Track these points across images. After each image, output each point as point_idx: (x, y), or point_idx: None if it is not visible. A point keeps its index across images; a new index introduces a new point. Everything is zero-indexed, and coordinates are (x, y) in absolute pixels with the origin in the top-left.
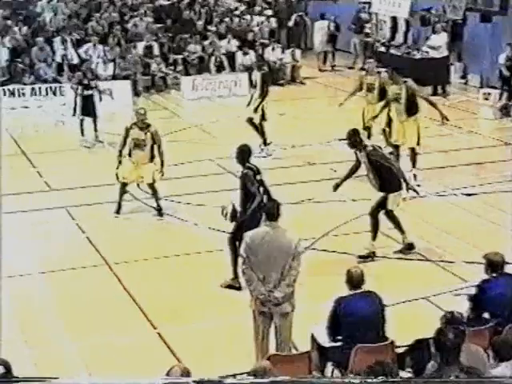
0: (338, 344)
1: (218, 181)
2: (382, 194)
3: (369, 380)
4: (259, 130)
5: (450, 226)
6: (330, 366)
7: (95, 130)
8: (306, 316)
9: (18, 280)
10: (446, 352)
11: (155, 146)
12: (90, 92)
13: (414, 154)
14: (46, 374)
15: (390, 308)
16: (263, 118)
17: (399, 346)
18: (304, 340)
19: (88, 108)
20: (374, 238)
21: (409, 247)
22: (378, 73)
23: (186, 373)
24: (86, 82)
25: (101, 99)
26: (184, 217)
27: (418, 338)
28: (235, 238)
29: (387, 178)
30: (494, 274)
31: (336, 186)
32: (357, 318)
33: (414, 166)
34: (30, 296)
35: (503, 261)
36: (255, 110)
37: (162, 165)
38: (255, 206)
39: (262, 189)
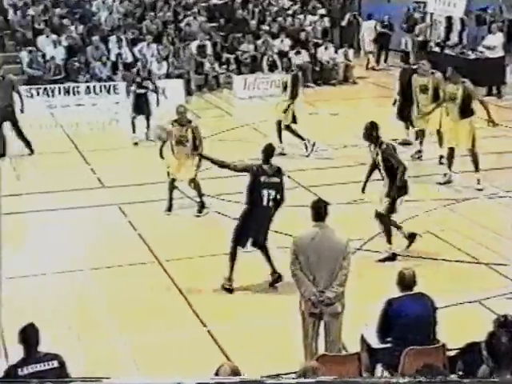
0: (388, 345)
1: None
2: (388, 200)
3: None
4: (294, 132)
5: (502, 229)
6: (379, 368)
7: (147, 128)
8: (355, 317)
9: (69, 276)
10: (498, 356)
11: (200, 141)
12: (143, 90)
13: (474, 157)
14: (97, 370)
15: (441, 310)
16: (294, 120)
17: (450, 349)
18: (354, 341)
19: (141, 106)
20: (389, 241)
21: (393, 257)
22: (432, 73)
23: (234, 371)
24: (139, 80)
25: (158, 102)
26: (234, 215)
27: (470, 342)
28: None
29: (395, 180)
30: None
31: (363, 189)
32: (408, 320)
33: (476, 169)
34: (82, 292)
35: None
36: (284, 112)
37: (200, 159)
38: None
39: (266, 191)
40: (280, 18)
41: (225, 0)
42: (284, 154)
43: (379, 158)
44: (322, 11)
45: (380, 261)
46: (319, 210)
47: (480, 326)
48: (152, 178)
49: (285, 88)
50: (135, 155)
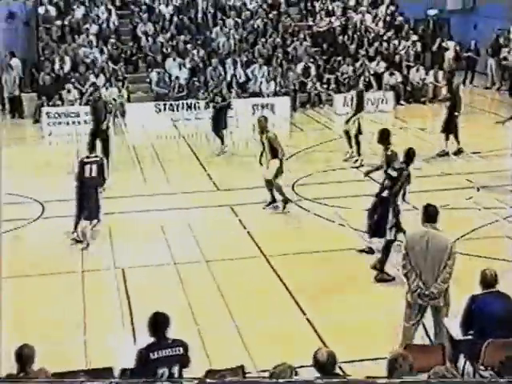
0: (470, 338)
1: (361, 186)
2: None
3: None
4: (353, 141)
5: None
6: (462, 358)
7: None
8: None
9: (186, 266)
10: None
11: (277, 148)
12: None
13: None
14: (212, 355)
15: None
16: (359, 131)
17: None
18: None
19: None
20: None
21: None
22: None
23: (331, 355)
24: (219, 99)
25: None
26: (330, 217)
27: None
28: None
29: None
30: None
31: (366, 173)
32: (489, 315)
33: None
34: (198, 282)
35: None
36: (347, 122)
37: (280, 164)
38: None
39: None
40: (376, 43)
41: (327, 27)
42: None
43: (384, 163)
44: (415, 37)
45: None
46: (431, 213)
47: None
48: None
49: (351, 104)
50: (245, 161)
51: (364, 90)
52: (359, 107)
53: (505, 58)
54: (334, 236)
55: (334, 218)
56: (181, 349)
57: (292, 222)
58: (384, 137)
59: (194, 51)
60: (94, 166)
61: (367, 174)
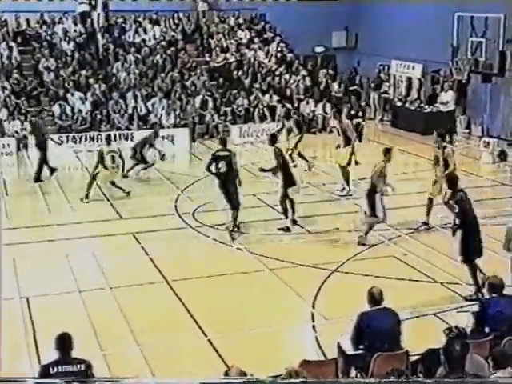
0: (360, 352)
1: (258, 212)
2: None
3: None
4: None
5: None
6: (353, 371)
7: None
8: (333, 328)
9: (91, 293)
10: (453, 361)
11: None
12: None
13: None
14: (116, 373)
15: (404, 322)
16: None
17: (412, 355)
18: (332, 348)
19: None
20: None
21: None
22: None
23: (242, 373)
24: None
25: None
26: (229, 242)
27: (430, 348)
28: None
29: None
30: (495, 295)
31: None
32: (376, 331)
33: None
34: (103, 308)
35: (502, 284)
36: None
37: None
38: None
39: None
40: (269, 78)
41: (222, 63)
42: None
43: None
44: (304, 72)
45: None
46: None
47: (436, 335)
48: (163, 211)
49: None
50: (148, 189)
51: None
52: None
53: (386, 92)
54: (233, 260)
55: (232, 243)
56: (82, 366)
57: (193, 247)
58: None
59: (96, 85)
60: None
61: (262, 170)
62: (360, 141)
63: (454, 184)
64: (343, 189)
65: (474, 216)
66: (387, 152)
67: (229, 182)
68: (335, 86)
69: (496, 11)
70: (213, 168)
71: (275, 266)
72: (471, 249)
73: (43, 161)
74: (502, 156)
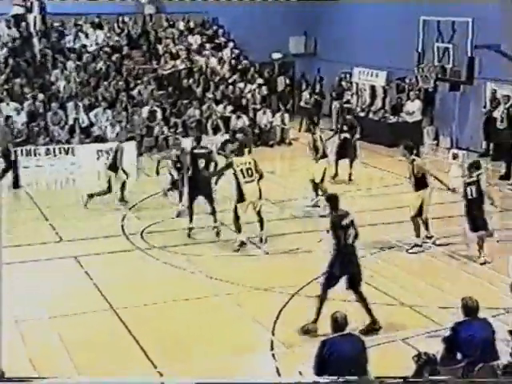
0: (325, 381)
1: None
2: None
3: None
4: None
5: (424, 274)
6: None
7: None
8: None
9: (29, 323)
10: None
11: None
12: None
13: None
14: None
15: (372, 348)
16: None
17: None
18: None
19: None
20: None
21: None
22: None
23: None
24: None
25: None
26: (181, 265)
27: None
28: None
29: None
30: (468, 318)
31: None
32: (341, 358)
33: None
34: (41, 339)
35: (477, 306)
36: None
37: None
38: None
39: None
40: (222, 86)
41: (172, 70)
42: None
43: None
44: (260, 80)
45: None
46: None
47: (405, 362)
48: (103, 232)
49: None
50: (90, 212)
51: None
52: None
53: (348, 101)
54: (186, 284)
55: (184, 266)
56: None
57: (142, 271)
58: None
59: (32, 95)
60: None
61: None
62: (354, 158)
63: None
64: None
65: None
66: None
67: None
68: (306, 95)
69: (463, 15)
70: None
71: (231, 290)
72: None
73: (6, 171)
74: (472, 168)
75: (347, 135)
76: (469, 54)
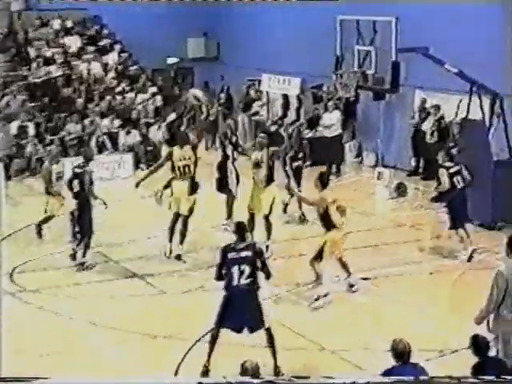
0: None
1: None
2: None
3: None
4: None
5: (346, 312)
6: None
7: None
8: None
9: None
10: None
11: None
12: None
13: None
14: None
15: None
16: None
17: None
18: None
19: None
20: None
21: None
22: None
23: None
24: None
25: None
26: (60, 311)
27: None
28: None
29: None
30: (399, 363)
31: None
32: None
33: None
34: None
35: (408, 349)
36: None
37: None
38: None
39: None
40: (108, 97)
41: (46, 78)
42: None
43: None
44: (154, 89)
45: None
46: None
47: None
48: None
49: None
50: None
51: None
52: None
53: (257, 113)
54: (64, 333)
55: (62, 312)
56: None
57: (11, 319)
58: None
59: None
60: None
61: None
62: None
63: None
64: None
65: None
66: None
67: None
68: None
69: (386, 13)
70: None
71: (122, 337)
72: None
73: None
74: (401, 190)
75: (299, 163)
76: (393, 58)
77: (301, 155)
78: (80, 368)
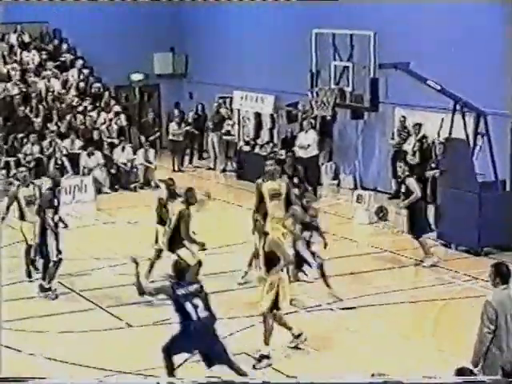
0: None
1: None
2: None
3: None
4: None
5: (327, 344)
6: None
7: None
8: None
9: None
10: None
11: None
12: None
13: None
14: None
15: None
16: None
17: None
18: None
19: None
20: None
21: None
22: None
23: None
24: None
25: None
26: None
27: None
28: None
29: None
30: None
31: None
32: None
33: None
34: None
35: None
36: None
37: None
38: None
39: None
40: (69, 116)
41: (2, 95)
42: None
43: None
44: (117, 108)
45: None
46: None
47: None
48: None
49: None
50: None
51: None
52: None
53: (228, 133)
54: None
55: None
56: None
57: None
58: None
59: None
60: None
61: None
62: None
63: None
64: None
65: None
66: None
67: None
68: (173, 125)
69: (363, 27)
70: None
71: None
72: None
73: None
74: (381, 214)
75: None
76: (371, 75)
77: (296, 180)
78: None
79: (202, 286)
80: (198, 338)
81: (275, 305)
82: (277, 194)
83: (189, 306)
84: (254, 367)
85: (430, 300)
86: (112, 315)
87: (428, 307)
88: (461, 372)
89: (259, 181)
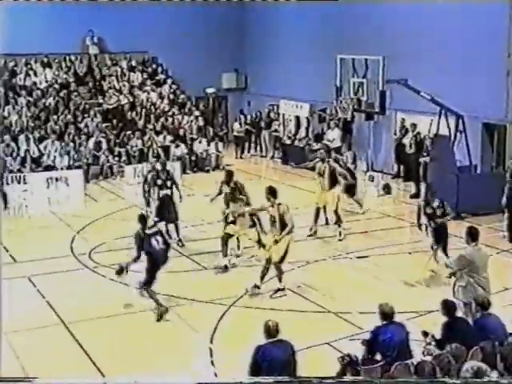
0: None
1: None
2: None
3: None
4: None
5: (346, 283)
6: None
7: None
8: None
9: None
10: None
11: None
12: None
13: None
14: None
15: (300, 352)
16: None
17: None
18: None
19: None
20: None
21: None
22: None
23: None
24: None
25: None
26: (127, 282)
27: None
28: None
29: None
30: (385, 322)
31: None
32: (273, 362)
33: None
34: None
35: (392, 311)
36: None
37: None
38: None
39: None
40: (162, 118)
41: (116, 104)
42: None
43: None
44: (197, 113)
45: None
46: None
47: (330, 363)
48: (57, 252)
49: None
50: (45, 234)
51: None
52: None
53: (276, 130)
54: (131, 299)
55: (130, 282)
56: None
57: (90, 288)
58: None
59: None
60: None
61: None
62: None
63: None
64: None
65: None
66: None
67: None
68: (237, 125)
69: (375, 53)
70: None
71: (172, 303)
72: None
73: None
74: (387, 189)
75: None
76: (380, 88)
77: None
78: (142, 325)
79: (159, 229)
80: (161, 260)
81: (283, 258)
82: (323, 172)
83: (153, 241)
84: (270, 297)
85: (422, 251)
86: (194, 261)
87: (421, 256)
88: (445, 304)
89: (319, 164)
